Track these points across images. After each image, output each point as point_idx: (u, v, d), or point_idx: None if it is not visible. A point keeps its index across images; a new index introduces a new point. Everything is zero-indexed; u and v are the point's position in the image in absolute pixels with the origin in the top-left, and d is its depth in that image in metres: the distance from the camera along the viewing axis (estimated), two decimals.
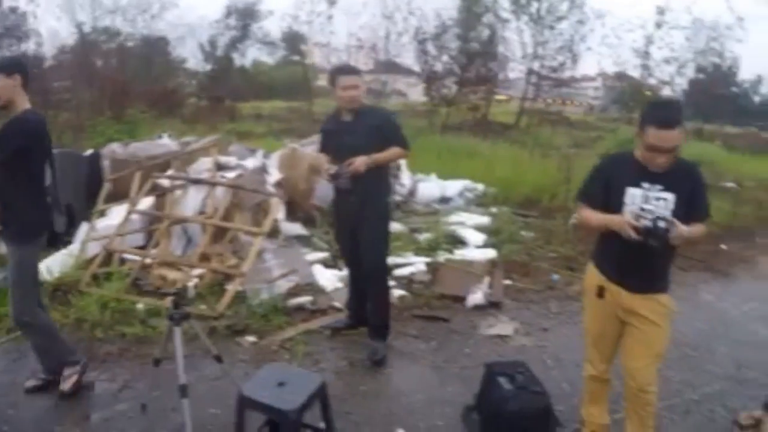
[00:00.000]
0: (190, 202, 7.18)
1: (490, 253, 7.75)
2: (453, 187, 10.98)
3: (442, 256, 7.54)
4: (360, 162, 4.56)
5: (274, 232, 7.15)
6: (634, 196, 3.36)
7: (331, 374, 4.81)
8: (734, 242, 10.67)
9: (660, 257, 3.47)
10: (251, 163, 8.42)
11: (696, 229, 3.33)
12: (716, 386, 5.13)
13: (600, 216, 3.49)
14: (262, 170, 8.03)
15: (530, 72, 25.93)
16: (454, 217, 9.23)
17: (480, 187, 11.37)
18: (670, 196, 3.31)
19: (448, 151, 15.00)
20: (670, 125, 3.15)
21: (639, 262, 3.45)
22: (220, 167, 7.82)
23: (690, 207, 3.34)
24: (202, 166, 7.88)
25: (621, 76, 29.66)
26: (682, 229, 3.16)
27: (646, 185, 3.34)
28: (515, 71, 27.22)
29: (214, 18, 31.93)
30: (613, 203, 3.41)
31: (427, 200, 10.28)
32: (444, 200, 10.53)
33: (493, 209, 10.20)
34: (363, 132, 4.73)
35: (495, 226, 9.01)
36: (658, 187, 3.33)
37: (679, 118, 3.19)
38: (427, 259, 7.34)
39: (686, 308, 6.95)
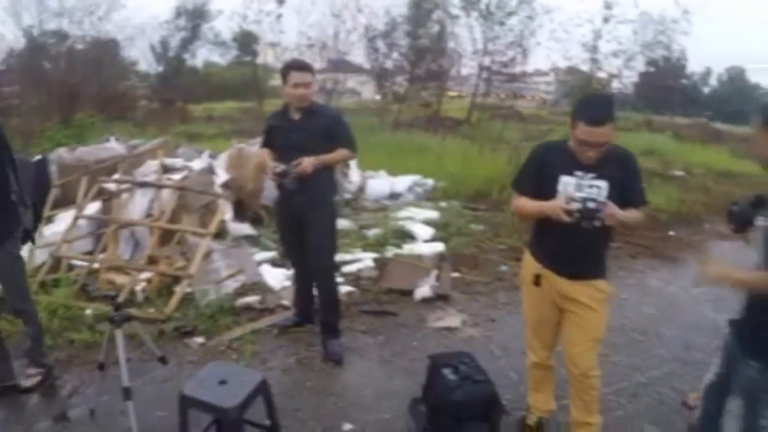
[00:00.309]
0: (137, 205, 7.12)
1: (439, 247, 7.79)
2: (402, 182, 11.01)
3: (390, 252, 7.57)
4: (308, 163, 4.50)
5: (222, 233, 7.14)
6: (567, 184, 3.38)
7: (279, 372, 4.83)
8: (682, 229, 10.88)
9: (594, 243, 3.53)
10: (198, 164, 8.37)
11: (631, 214, 3.37)
12: (664, 369, 5.22)
13: (533, 203, 3.52)
14: (209, 171, 8.00)
15: (481, 67, 26.04)
16: (403, 213, 9.26)
17: (430, 182, 11.42)
18: (603, 184, 3.35)
19: (399, 147, 15.08)
20: (600, 122, 3.19)
21: (573, 249, 3.51)
22: (167, 169, 7.75)
23: (625, 194, 3.38)
24: (149, 169, 7.81)
25: (572, 71, 29.92)
26: (614, 209, 3.20)
27: (579, 173, 3.38)
28: (467, 67, 27.42)
29: (164, 19, 31.68)
30: (546, 191, 3.44)
31: (376, 197, 10.31)
32: (394, 196, 10.56)
33: (443, 203, 10.25)
34: (312, 131, 4.67)
35: (444, 220, 9.06)
36: (591, 175, 3.36)
37: (608, 114, 3.22)
38: (375, 255, 7.36)
39: (634, 294, 7.10)
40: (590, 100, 3.48)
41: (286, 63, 4.91)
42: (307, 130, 4.66)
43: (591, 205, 3.18)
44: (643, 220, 3.59)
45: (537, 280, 3.72)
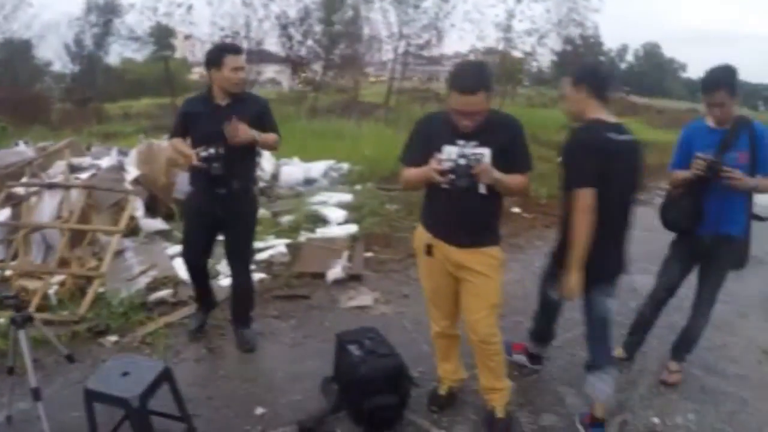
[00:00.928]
0: (46, 207, 6.98)
1: (352, 229, 7.90)
2: (317, 168, 11.07)
3: (303, 236, 7.61)
4: (244, 129, 4.34)
5: (134, 230, 7.10)
6: (450, 153, 3.41)
7: (192, 363, 4.85)
8: None
9: (483, 210, 3.60)
10: (106, 162, 8.29)
11: (513, 178, 3.45)
12: (577, 331, 5.35)
13: (415, 170, 3.56)
14: (118, 168, 7.93)
15: (397, 51, 26.11)
16: (317, 198, 9.31)
17: (345, 166, 11.51)
18: (485, 151, 3.38)
19: (315, 134, 15.12)
20: (471, 91, 3.22)
21: (462, 217, 3.57)
22: (74, 169, 7.68)
23: (509, 161, 3.45)
24: (58, 170, 7.72)
25: (491, 51, 30.16)
26: (486, 166, 3.28)
27: (461, 142, 3.41)
28: (385, 52, 27.45)
29: (75, 16, 30.93)
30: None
31: (290, 183, 10.33)
32: (309, 182, 10.61)
33: (358, 186, 10.35)
34: (243, 118, 4.39)
35: (358, 203, 9.16)
36: (473, 143, 3.40)
37: (480, 83, 3.25)
38: (288, 241, 7.40)
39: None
40: (462, 70, 3.50)
41: (218, 46, 4.68)
42: (239, 117, 4.37)
43: (462, 161, 3.25)
44: (527, 186, 3.66)
45: (429, 250, 3.77)
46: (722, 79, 4.07)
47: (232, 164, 4.40)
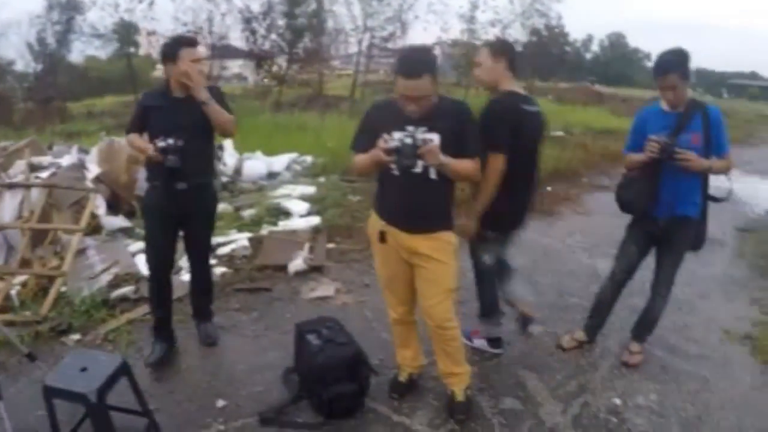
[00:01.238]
0: (7, 208, 6.94)
1: (314, 221, 7.92)
2: (280, 161, 11.06)
3: (265, 230, 7.63)
4: (205, 94, 4.25)
5: (96, 228, 7.07)
6: (399, 138, 3.38)
7: None
8: (560, 184, 11.31)
9: (433, 195, 3.62)
10: (67, 160, 8.23)
11: (461, 163, 3.46)
12: (538, 315, 5.42)
13: (363, 156, 3.57)
14: (79, 167, 7.88)
15: (362, 44, 26.07)
16: (280, 191, 9.31)
17: (309, 159, 11.51)
18: (434, 137, 3.39)
19: (279, 128, 15.07)
20: (414, 75, 3.23)
21: (413, 202, 3.59)
22: (35, 168, 7.62)
23: (458, 146, 3.46)
24: (18, 170, 7.67)
25: (457, 43, 30.23)
26: (434, 147, 3.29)
27: (410, 128, 3.40)
28: (352, 45, 27.41)
29: (36, 13, 30.43)
30: None
31: (253, 178, 10.28)
32: (272, 176, 10.58)
33: (321, 179, 10.35)
34: (200, 110, 4.28)
35: (321, 195, 9.17)
36: (423, 128, 3.40)
37: (424, 67, 3.26)
38: (250, 234, 7.40)
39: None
40: (406, 55, 3.54)
41: (174, 40, 4.54)
42: (198, 110, 4.28)
43: (408, 141, 3.26)
44: (477, 171, 3.66)
45: (382, 237, 3.78)
46: (673, 63, 4.14)
47: (190, 157, 4.25)
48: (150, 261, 4.77)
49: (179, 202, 4.47)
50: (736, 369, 5.00)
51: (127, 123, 4.67)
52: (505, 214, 4.25)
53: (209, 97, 4.30)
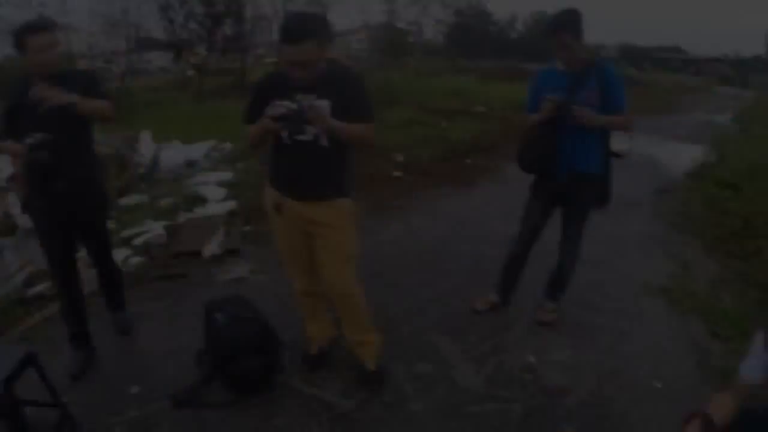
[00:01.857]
0: None
1: (230, 205, 7.89)
2: (198, 150, 10.94)
3: (182, 217, 7.55)
4: (53, 92, 3.72)
5: (11, 228, 6.91)
6: (288, 106, 3.38)
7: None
8: (480, 156, 11.39)
9: (326, 163, 3.60)
10: None
11: (352, 126, 3.42)
12: (454, 281, 5.46)
13: (254, 126, 3.52)
14: None
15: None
16: (197, 179, 9.23)
17: (228, 145, 11.43)
18: (324, 103, 3.37)
19: (197, 117, 14.96)
20: (293, 40, 3.17)
21: (304, 170, 3.59)
22: None
23: (351, 112, 3.43)
24: None
25: (384, 26, 30.23)
26: (322, 112, 3.31)
27: (299, 96, 3.37)
28: (275, 31, 27.08)
29: None
30: None
31: (171, 167, 10.14)
32: (190, 164, 10.45)
33: (240, 164, 10.29)
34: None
35: (238, 180, 9.14)
36: (312, 96, 3.37)
37: (305, 32, 3.19)
38: (166, 223, 7.31)
39: (426, 220, 7.41)
40: (286, 21, 3.47)
41: (19, 28, 3.91)
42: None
43: (294, 106, 3.29)
44: (370, 135, 3.60)
45: (278, 208, 3.78)
46: (565, 22, 4.22)
47: (63, 151, 3.84)
48: (48, 264, 4.45)
49: (62, 204, 4.08)
50: (652, 321, 5.18)
51: None
52: None
53: (72, 97, 3.80)
